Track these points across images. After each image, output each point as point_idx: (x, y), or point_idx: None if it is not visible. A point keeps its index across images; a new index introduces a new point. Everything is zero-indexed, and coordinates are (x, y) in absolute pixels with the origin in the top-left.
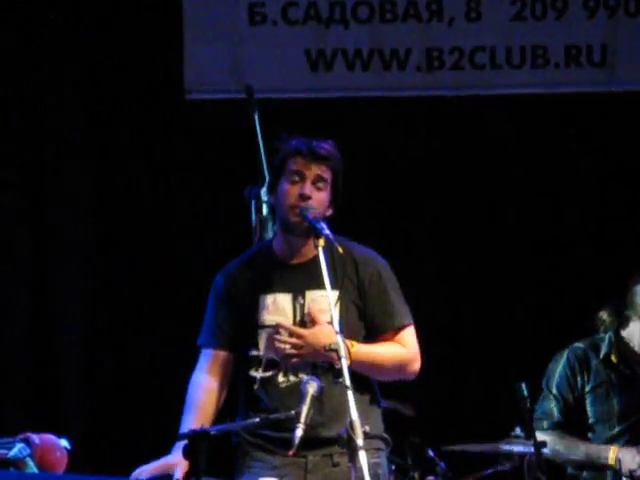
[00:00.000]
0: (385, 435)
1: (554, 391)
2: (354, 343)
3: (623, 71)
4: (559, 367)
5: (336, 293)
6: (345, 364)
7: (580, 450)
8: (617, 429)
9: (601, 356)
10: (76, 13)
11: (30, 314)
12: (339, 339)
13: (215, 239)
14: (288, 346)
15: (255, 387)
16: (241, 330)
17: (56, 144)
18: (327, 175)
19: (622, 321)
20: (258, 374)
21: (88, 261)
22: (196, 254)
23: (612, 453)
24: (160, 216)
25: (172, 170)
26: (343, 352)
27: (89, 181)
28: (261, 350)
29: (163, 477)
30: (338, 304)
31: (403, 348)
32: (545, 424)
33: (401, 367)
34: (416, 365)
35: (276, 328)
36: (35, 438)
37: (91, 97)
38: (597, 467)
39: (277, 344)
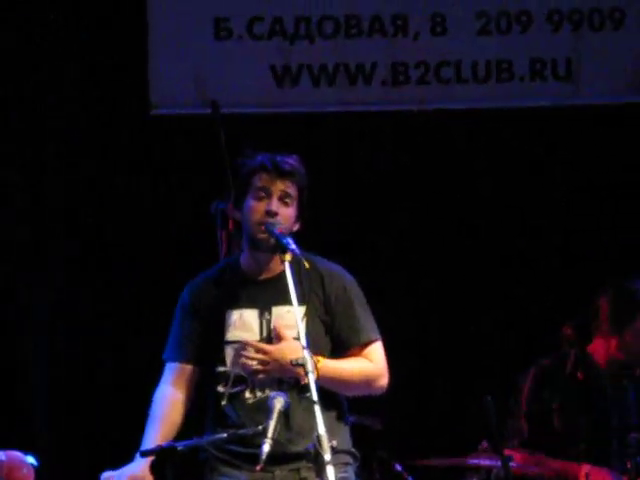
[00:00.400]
0: (353, 450)
1: (524, 408)
2: (320, 359)
3: (587, 85)
4: (527, 384)
5: (303, 308)
6: (312, 379)
7: (551, 467)
8: (584, 446)
9: (567, 372)
10: (42, 27)
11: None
12: (306, 354)
13: (181, 255)
14: (254, 362)
15: (223, 403)
16: (207, 345)
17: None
18: (293, 190)
19: (587, 337)
20: (226, 390)
21: (55, 268)
22: (162, 270)
23: (582, 471)
24: (125, 233)
25: (137, 186)
26: (310, 367)
27: (51, 190)
28: (228, 366)
29: None
30: (305, 319)
31: (370, 363)
32: (516, 442)
33: (368, 382)
34: (383, 380)
35: (243, 345)
36: (1, 455)
37: (56, 114)
38: None
39: (243, 360)
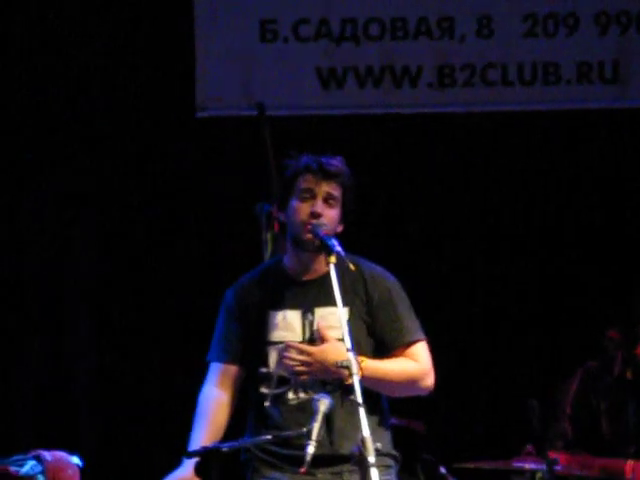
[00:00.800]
0: (394, 452)
1: (568, 411)
2: (364, 358)
3: (635, 87)
4: (573, 387)
5: (346, 310)
6: (357, 381)
7: (596, 465)
8: (633, 448)
9: (615, 374)
10: (90, 30)
11: (41, 331)
12: (351, 356)
13: (226, 256)
14: (297, 363)
15: (266, 404)
16: (250, 346)
17: (63, 157)
18: (337, 192)
19: (634, 338)
20: (269, 391)
21: (97, 275)
22: (207, 271)
23: (628, 466)
24: (171, 233)
25: (183, 187)
26: (355, 369)
27: (98, 195)
28: (271, 367)
29: None
30: (348, 321)
31: (415, 363)
32: (560, 444)
33: (413, 382)
34: (429, 380)
35: (285, 346)
36: (47, 455)
37: (103, 115)
38: None
39: (286, 361)
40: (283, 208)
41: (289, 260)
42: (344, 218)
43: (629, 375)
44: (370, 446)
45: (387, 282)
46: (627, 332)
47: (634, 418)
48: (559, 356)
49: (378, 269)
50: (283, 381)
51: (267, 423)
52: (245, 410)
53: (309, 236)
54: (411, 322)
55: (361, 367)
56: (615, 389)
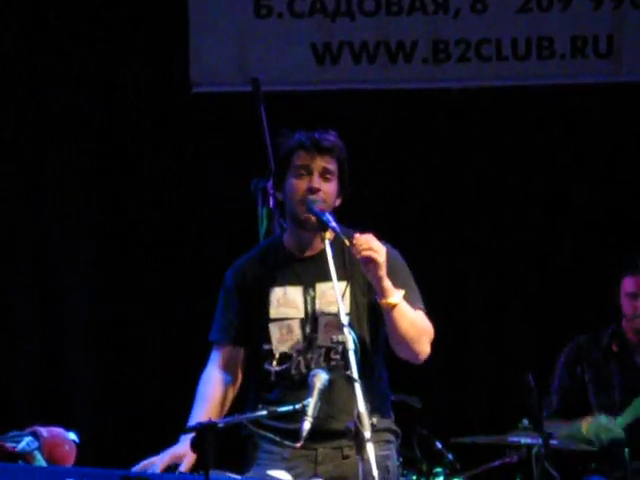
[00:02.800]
0: (395, 427)
1: (555, 382)
2: (401, 290)
3: (629, 62)
4: (561, 359)
5: (344, 284)
6: (352, 356)
7: (563, 430)
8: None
9: (603, 348)
10: (81, 6)
11: (38, 306)
12: (346, 332)
13: (222, 232)
14: (370, 248)
15: (269, 380)
16: (252, 324)
17: (61, 138)
18: (333, 166)
19: (620, 311)
20: (272, 368)
21: (95, 253)
22: (203, 247)
23: (585, 424)
24: (165, 210)
25: (177, 163)
26: (350, 345)
27: (94, 173)
28: (273, 344)
29: (169, 467)
30: (347, 295)
31: (425, 320)
32: (544, 413)
33: (420, 336)
34: (428, 344)
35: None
36: (43, 431)
37: (97, 91)
38: (579, 442)
39: (360, 243)
40: (280, 187)
41: (288, 237)
42: (342, 191)
43: (615, 347)
44: (366, 421)
45: (389, 254)
46: (616, 305)
47: (619, 389)
48: (555, 330)
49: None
50: (285, 357)
51: (268, 399)
52: (242, 387)
53: (307, 214)
54: (412, 292)
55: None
56: (602, 361)
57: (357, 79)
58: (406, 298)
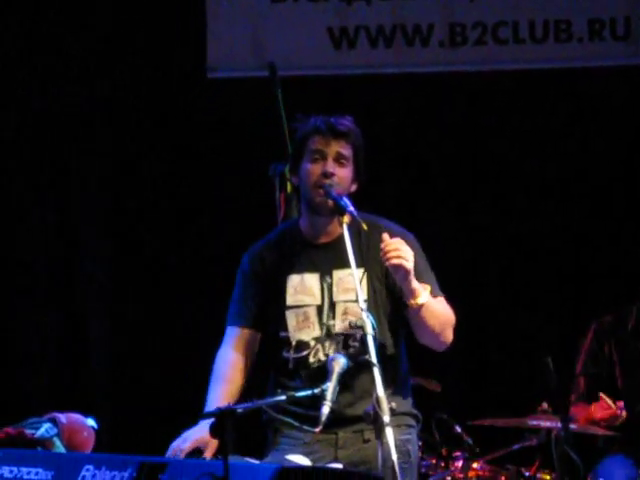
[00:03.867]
0: (415, 411)
1: (581, 365)
2: (427, 286)
3: None
4: (587, 340)
5: (361, 270)
6: (371, 340)
7: (580, 416)
8: None
9: (629, 328)
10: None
11: (59, 294)
12: (364, 316)
13: (239, 217)
14: (398, 252)
15: (288, 367)
16: (269, 311)
17: (78, 123)
18: (348, 151)
19: None
20: (290, 355)
21: (112, 242)
22: (221, 232)
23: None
24: (183, 195)
25: (195, 148)
26: (369, 329)
27: (111, 160)
28: (290, 331)
29: (194, 452)
30: (365, 281)
31: (448, 309)
32: (573, 397)
33: (446, 326)
34: (451, 332)
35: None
36: (62, 418)
37: (113, 76)
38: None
39: (388, 249)
40: (295, 172)
41: (304, 223)
42: (357, 177)
43: None
44: (385, 406)
45: (407, 239)
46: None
47: None
48: (576, 313)
49: (396, 226)
50: (303, 345)
51: (288, 385)
52: (264, 373)
53: (322, 198)
54: (430, 278)
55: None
56: (629, 342)
57: (374, 63)
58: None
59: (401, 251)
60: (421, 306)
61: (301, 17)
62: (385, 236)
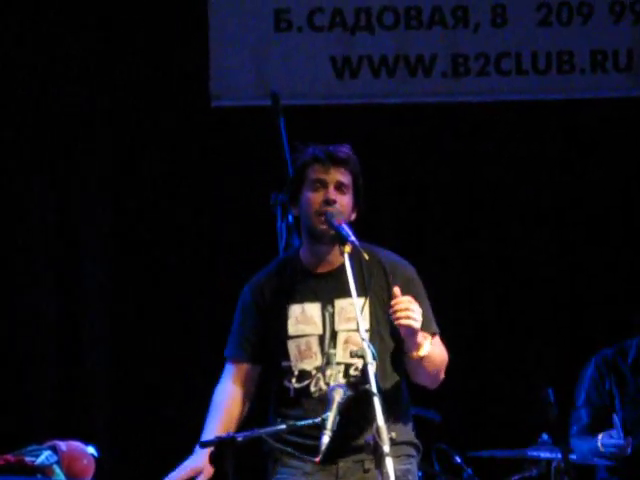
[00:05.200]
0: (416, 441)
1: (582, 396)
2: (427, 335)
3: None
4: (587, 373)
5: (363, 299)
6: (372, 370)
7: (584, 447)
8: None
9: (629, 361)
10: (103, 19)
11: (57, 322)
12: (365, 345)
13: (241, 246)
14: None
15: (289, 397)
16: (270, 341)
17: (79, 148)
18: (347, 179)
19: None
20: (292, 385)
21: (114, 267)
22: (222, 261)
23: (598, 441)
24: (185, 223)
25: (197, 177)
26: (369, 358)
27: (112, 184)
28: (292, 360)
29: None
30: (366, 310)
31: (444, 351)
32: (574, 429)
33: (441, 369)
34: (443, 372)
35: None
36: (62, 445)
37: (116, 105)
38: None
39: (399, 312)
40: (295, 202)
41: (305, 252)
42: (357, 205)
43: None
44: (385, 435)
45: (407, 272)
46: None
47: None
48: (576, 345)
49: (397, 258)
50: (305, 374)
51: (289, 415)
52: (264, 403)
53: (324, 227)
54: (430, 313)
55: (425, 345)
56: (629, 377)
57: (376, 93)
58: (424, 321)
59: (411, 311)
60: (423, 357)
61: (304, 46)
62: (396, 291)
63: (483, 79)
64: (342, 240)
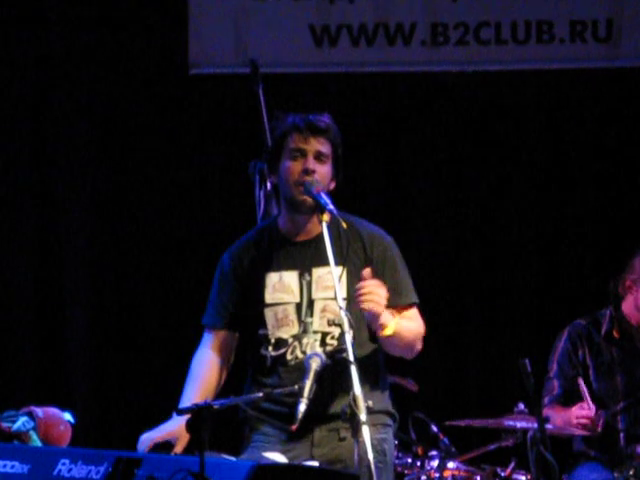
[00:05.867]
0: (392, 410)
1: (555, 367)
2: (396, 314)
3: (628, 46)
4: (561, 343)
5: (340, 268)
6: (349, 339)
7: (557, 417)
8: (621, 405)
9: (602, 332)
10: None
11: (35, 288)
12: (342, 314)
13: (219, 214)
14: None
15: (266, 365)
16: (247, 309)
17: (61, 123)
18: (327, 148)
19: (621, 295)
20: (268, 353)
21: (94, 238)
22: (200, 229)
23: (572, 413)
24: (163, 191)
25: (176, 145)
26: (347, 327)
27: (94, 158)
28: (269, 328)
29: (164, 445)
30: (345, 279)
31: (417, 324)
32: (546, 400)
33: (415, 342)
34: (420, 344)
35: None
36: (39, 411)
37: (95, 74)
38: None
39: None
40: (274, 170)
41: (283, 221)
42: (336, 175)
43: (616, 334)
44: (361, 404)
45: (385, 241)
46: (617, 288)
47: (622, 376)
48: (552, 315)
49: (375, 228)
50: (281, 342)
51: (266, 383)
52: (241, 372)
53: (303, 196)
54: (409, 283)
55: (393, 323)
56: (603, 346)
57: (355, 61)
58: (399, 292)
59: (374, 295)
60: (390, 336)
61: (283, 15)
62: (365, 274)
63: (462, 48)
64: (321, 209)
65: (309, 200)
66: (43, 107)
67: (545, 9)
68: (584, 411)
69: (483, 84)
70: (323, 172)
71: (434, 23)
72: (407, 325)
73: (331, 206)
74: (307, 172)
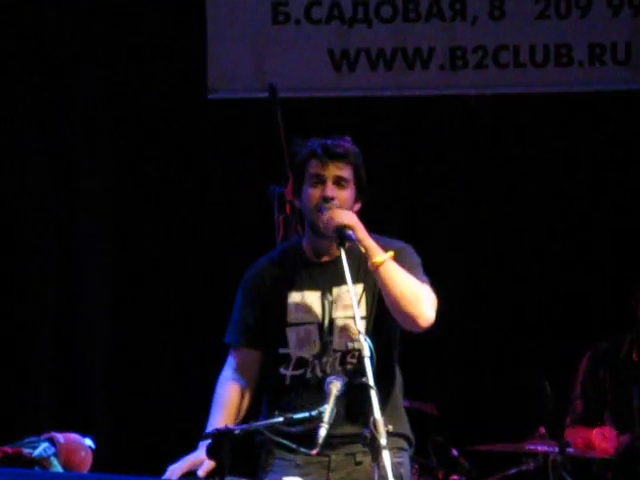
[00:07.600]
0: (408, 434)
1: (578, 389)
2: (391, 253)
3: None
4: (583, 365)
5: (360, 286)
6: (368, 363)
7: (578, 439)
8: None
9: (622, 355)
10: (101, 12)
11: (55, 314)
12: (361, 339)
13: (238, 238)
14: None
15: (284, 384)
16: (269, 328)
17: (80, 148)
18: (347, 173)
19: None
20: (288, 372)
21: (112, 261)
22: (219, 252)
23: (592, 437)
24: (182, 215)
25: (195, 169)
26: (366, 352)
27: (111, 179)
28: (290, 348)
29: (189, 474)
30: (363, 300)
31: (422, 283)
32: (569, 421)
33: (416, 296)
34: (430, 309)
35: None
36: (60, 437)
37: (114, 97)
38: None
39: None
40: (297, 195)
41: (307, 243)
42: (360, 197)
43: (635, 357)
44: (381, 428)
45: (405, 253)
46: (635, 312)
47: (638, 397)
48: (572, 338)
49: (396, 243)
50: (302, 362)
51: (284, 403)
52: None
53: (323, 224)
54: (422, 279)
55: (379, 262)
56: (622, 369)
57: (374, 86)
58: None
59: (334, 212)
60: (380, 264)
61: (302, 39)
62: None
63: (481, 72)
64: (341, 240)
65: (330, 229)
66: (62, 130)
67: (563, 32)
68: (609, 442)
69: (502, 107)
70: (343, 197)
71: (452, 47)
72: (404, 274)
73: (354, 237)
74: (325, 199)
